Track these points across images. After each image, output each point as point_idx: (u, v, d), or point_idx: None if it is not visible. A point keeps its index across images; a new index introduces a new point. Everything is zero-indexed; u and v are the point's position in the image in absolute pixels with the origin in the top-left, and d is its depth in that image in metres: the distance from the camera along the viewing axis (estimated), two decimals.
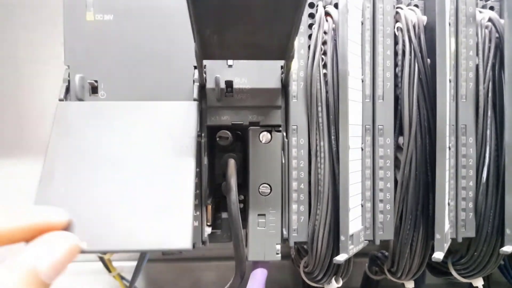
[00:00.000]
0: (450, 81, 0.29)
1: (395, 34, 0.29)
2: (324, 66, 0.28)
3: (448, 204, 0.29)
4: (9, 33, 0.43)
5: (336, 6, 0.29)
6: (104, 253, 0.36)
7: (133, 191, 0.23)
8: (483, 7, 0.32)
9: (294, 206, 0.29)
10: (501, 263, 0.35)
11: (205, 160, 0.27)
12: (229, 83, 0.27)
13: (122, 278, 0.39)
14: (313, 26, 0.29)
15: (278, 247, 0.28)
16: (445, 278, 0.36)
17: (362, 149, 0.29)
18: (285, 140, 0.28)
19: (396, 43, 0.29)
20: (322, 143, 0.28)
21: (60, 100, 0.26)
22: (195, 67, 0.27)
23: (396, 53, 0.29)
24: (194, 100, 0.26)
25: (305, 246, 0.32)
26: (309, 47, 0.28)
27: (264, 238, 0.28)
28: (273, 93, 0.27)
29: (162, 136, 0.24)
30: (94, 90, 0.27)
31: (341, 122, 0.27)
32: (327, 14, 0.29)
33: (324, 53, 0.28)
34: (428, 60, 0.29)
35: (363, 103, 0.29)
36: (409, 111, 0.29)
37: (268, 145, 0.28)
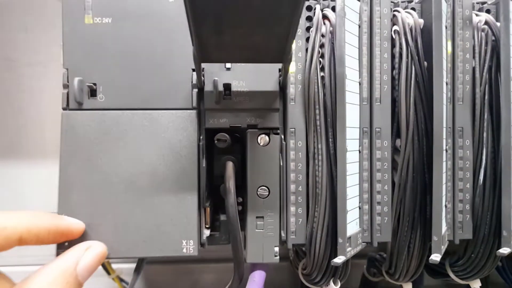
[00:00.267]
0: (446, 83, 0.30)
1: (392, 37, 0.30)
2: (322, 69, 0.28)
3: (445, 206, 0.30)
4: (7, 35, 0.43)
5: (333, 9, 0.29)
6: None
7: (144, 202, 0.27)
8: (480, 10, 0.32)
9: (292, 209, 0.29)
10: (499, 265, 0.35)
11: (203, 163, 0.27)
12: (227, 86, 0.27)
13: (121, 280, 0.39)
14: (311, 29, 0.29)
15: (277, 249, 0.28)
16: (443, 280, 0.36)
17: (359, 152, 0.29)
18: (283, 142, 0.29)
19: (393, 46, 0.30)
20: (320, 146, 0.28)
21: (64, 109, 0.26)
22: (193, 70, 0.27)
23: (393, 56, 0.30)
24: (194, 108, 0.27)
25: (303, 248, 0.32)
26: (306, 50, 0.28)
27: (262, 240, 0.28)
28: (271, 96, 0.28)
29: (165, 148, 0.27)
30: (93, 93, 0.27)
31: (338, 124, 0.27)
32: (324, 17, 0.29)
33: (322, 56, 0.28)
34: (425, 62, 0.29)
35: (361, 106, 0.29)
36: (406, 114, 0.29)
37: (266, 147, 0.28)
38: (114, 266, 0.39)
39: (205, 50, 0.22)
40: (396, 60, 0.29)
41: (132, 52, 0.27)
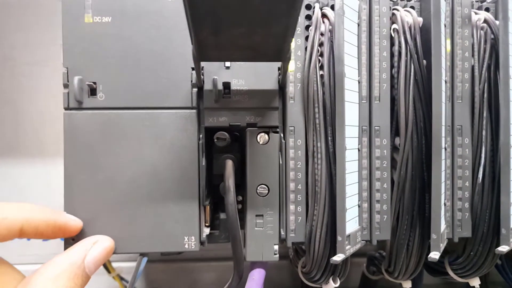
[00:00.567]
0: (445, 82, 0.30)
1: (391, 35, 0.30)
2: (321, 67, 0.28)
3: (444, 204, 0.30)
4: (6, 34, 0.43)
5: (332, 7, 0.29)
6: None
7: (146, 201, 0.27)
8: (479, 8, 0.32)
9: (291, 207, 0.29)
10: (498, 263, 0.35)
11: (203, 161, 0.27)
12: (226, 85, 0.27)
13: (122, 278, 0.40)
14: (310, 28, 0.29)
15: (276, 247, 0.28)
16: (442, 278, 0.36)
17: (358, 150, 0.29)
18: (283, 141, 0.29)
19: (392, 44, 0.30)
20: (319, 144, 0.28)
21: (65, 108, 0.27)
22: (192, 69, 0.27)
23: (392, 55, 0.30)
24: (193, 107, 0.27)
25: (303, 247, 0.32)
26: (306, 48, 0.29)
27: (262, 239, 0.28)
28: (271, 95, 0.28)
29: (165, 146, 0.27)
30: (92, 92, 0.27)
31: (337, 123, 0.27)
32: (323, 15, 0.29)
33: (321, 55, 0.28)
34: (424, 61, 0.29)
35: (360, 104, 0.29)
36: (405, 112, 0.29)
37: (266, 146, 0.28)
38: (114, 264, 0.39)
39: (205, 49, 0.22)
40: (395, 58, 0.29)
41: (131, 51, 0.27)
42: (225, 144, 0.28)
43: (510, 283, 0.36)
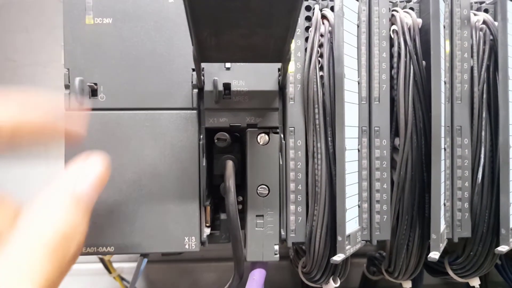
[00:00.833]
0: (445, 83, 0.30)
1: (390, 36, 0.30)
2: (321, 68, 0.29)
3: (444, 204, 0.30)
4: (7, 36, 0.44)
5: (332, 9, 0.29)
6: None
7: (146, 201, 0.27)
8: (478, 9, 0.32)
9: (292, 207, 0.29)
10: (498, 263, 0.35)
11: (203, 162, 0.28)
12: (227, 86, 0.27)
13: (122, 279, 0.40)
14: (310, 29, 0.29)
15: (276, 247, 0.29)
16: (442, 278, 0.36)
17: (358, 151, 0.29)
18: (283, 141, 0.29)
19: (391, 45, 0.30)
20: (319, 145, 0.28)
21: (66, 109, 0.27)
22: (193, 70, 0.27)
23: (391, 56, 0.30)
24: (194, 108, 0.27)
25: (303, 247, 0.32)
26: (305, 49, 0.29)
27: (262, 239, 0.28)
28: (271, 95, 0.28)
29: (166, 147, 0.27)
30: (93, 93, 0.27)
31: (337, 123, 0.27)
32: (323, 17, 0.29)
33: (321, 56, 0.29)
34: (424, 62, 0.29)
35: (359, 105, 0.29)
36: (405, 113, 0.29)
37: (266, 146, 0.28)
38: (115, 265, 0.39)
39: (205, 50, 0.22)
40: (395, 59, 0.30)
41: (132, 52, 0.27)
42: (225, 145, 0.29)
43: (509, 283, 0.36)
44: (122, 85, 0.27)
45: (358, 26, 0.29)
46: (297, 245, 0.33)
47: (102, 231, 0.27)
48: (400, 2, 0.31)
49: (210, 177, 0.31)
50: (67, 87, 0.27)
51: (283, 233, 0.29)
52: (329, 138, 0.28)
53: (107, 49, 0.27)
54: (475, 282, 0.34)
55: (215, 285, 0.46)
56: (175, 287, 0.46)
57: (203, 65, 0.27)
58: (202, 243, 0.28)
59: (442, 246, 0.28)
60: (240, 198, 0.31)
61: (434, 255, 0.28)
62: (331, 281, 0.31)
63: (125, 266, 0.41)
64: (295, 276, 0.44)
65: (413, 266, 0.31)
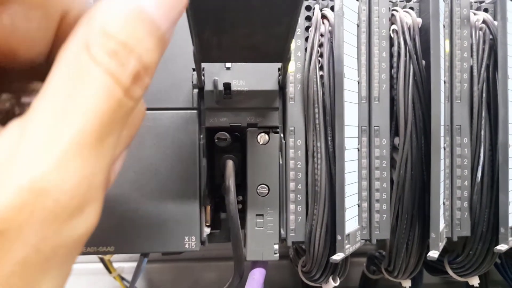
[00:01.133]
0: (444, 82, 0.30)
1: (390, 36, 0.30)
2: (321, 68, 0.29)
3: (444, 203, 0.30)
4: None
5: (332, 9, 0.29)
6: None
7: (147, 201, 0.27)
8: (477, 9, 0.32)
9: (291, 206, 0.29)
10: (498, 262, 0.36)
11: (203, 161, 0.28)
12: (227, 85, 0.27)
13: (123, 279, 0.40)
14: (310, 29, 0.29)
15: (276, 247, 0.29)
16: (442, 277, 0.36)
17: (358, 150, 0.29)
18: (283, 141, 0.29)
19: (391, 45, 0.30)
20: (319, 144, 0.28)
21: None
22: (193, 70, 0.27)
23: (391, 55, 0.30)
24: (194, 108, 0.27)
25: (303, 246, 0.33)
26: (306, 49, 0.29)
27: (262, 238, 0.28)
28: (271, 95, 0.28)
29: (167, 147, 0.27)
30: None
31: (337, 123, 0.27)
32: (323, 16, 0.29)
33: (321, 55, 0.29)
34: (423, 61, 0.29)
35: (359, 105, 0.30)
36: (405, 112, 0.29)
37: (266, 146, 0.28)
38: (115, 265, 0.39)
39: (206, 50, 0.22)
40: (395, 59, 0.30)
41: None
42: (225, 144, 0.29)
43: (509, 282, 0.36)
44: None
45: (358, 26, 0.29)
46: (297, 244, 0.33)
47: (102, 231, 0.27)
48: (400, 1, 0.31)
49: (210, 177, 0.31)
50: None
51: (283, 232, 0.29)
52: (329, 138, 0.28)
53: None
54: (475, 281, 0.34)
55: (215, 285, 0.46)
56: (175, 286, 0.46)
57: (203, 65, 0.27)
58: (202, 242, 0.28)
59: (441, 245, 0.28)
60: (240, 198, 0.31)
61: (433, 254, 0.28)
62: (330, 280, 0.31)
63: (125, 265, 0.41)
64: (295, 275, 0.44)
65: (413, 265, 0.31)
